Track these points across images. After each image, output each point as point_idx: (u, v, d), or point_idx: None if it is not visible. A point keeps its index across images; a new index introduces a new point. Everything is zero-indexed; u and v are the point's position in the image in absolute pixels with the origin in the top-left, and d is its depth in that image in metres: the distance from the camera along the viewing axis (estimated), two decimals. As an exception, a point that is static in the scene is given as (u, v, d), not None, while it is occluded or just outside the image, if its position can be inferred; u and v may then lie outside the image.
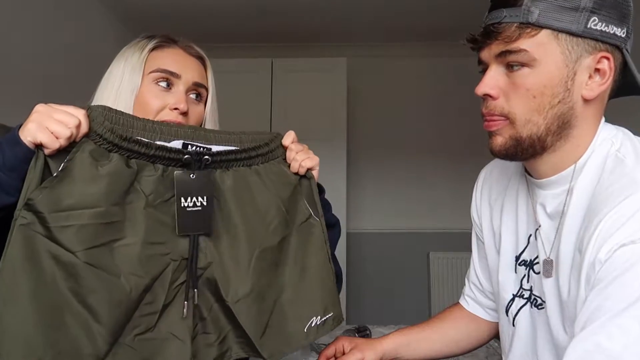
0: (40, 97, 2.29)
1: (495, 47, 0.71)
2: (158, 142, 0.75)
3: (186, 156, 0.75)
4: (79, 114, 0.67)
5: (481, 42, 0.73)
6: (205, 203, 0.77)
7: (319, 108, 3.13)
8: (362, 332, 1.78)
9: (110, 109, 0.73)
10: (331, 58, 3.21)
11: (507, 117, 0.72)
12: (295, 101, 3.14)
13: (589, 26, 0.68)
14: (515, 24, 0.68)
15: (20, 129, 0.65)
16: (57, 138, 0.65)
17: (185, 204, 0.75)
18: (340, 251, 3.09)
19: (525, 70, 0.70)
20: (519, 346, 0.84)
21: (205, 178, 0.77)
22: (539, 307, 0.79)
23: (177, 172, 0.75)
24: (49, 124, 0.64)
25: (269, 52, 3.39)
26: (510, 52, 0.69)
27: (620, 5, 0.70)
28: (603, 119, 0.76)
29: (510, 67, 0.71)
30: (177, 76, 0.91)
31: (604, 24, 0.68)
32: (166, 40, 0.94)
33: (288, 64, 3.19)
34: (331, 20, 3.15)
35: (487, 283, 0.99)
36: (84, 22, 2.64)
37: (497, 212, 0.91)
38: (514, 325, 0.84)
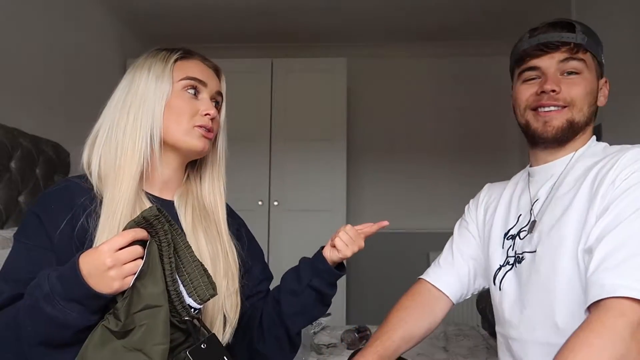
0: (40, 97, 2.30)
1: (560, 55, 0.96)
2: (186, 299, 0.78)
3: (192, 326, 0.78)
4: (136, 237, 0.74)
5: (545, 50, 0.96)
6: None
7: (319, 108, 3.13)
8: (362, 332, 1.79)
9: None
10: (331, 58, 3.21)
11: (568, 105, 0.95)
12: (295, 101, 3.14)
13: (601, 57, 1.00)
14: (573, 43, 0.95)
15: (94, 284, 0.72)
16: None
17: None
18: (340, 251, 3.09)
19: (577, 76, 0.96)
20: (508, 304, 0.97)
21: (214, 345, 0.80)
22: (521, 261, 0.96)
23: (192, 350, 0.76)
24: (126, 272, 0.73)
25: (269, 52, 3.39)
26: (574, 59, 0.95)
27: None
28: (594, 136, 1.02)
29: (563, 73, 0.96)
30: (204, 84, 0.97)
31: (603, 57, 1.00)
32: (188, 52, 1.00)
33: (288, 64, 3.19)
34: (331, 20, 3.16)
35: (460, 258, 1.10)
36: (85, 22, 2.64)
37: (492, 208, 1.10)
38: (500, 289, 1.00)
